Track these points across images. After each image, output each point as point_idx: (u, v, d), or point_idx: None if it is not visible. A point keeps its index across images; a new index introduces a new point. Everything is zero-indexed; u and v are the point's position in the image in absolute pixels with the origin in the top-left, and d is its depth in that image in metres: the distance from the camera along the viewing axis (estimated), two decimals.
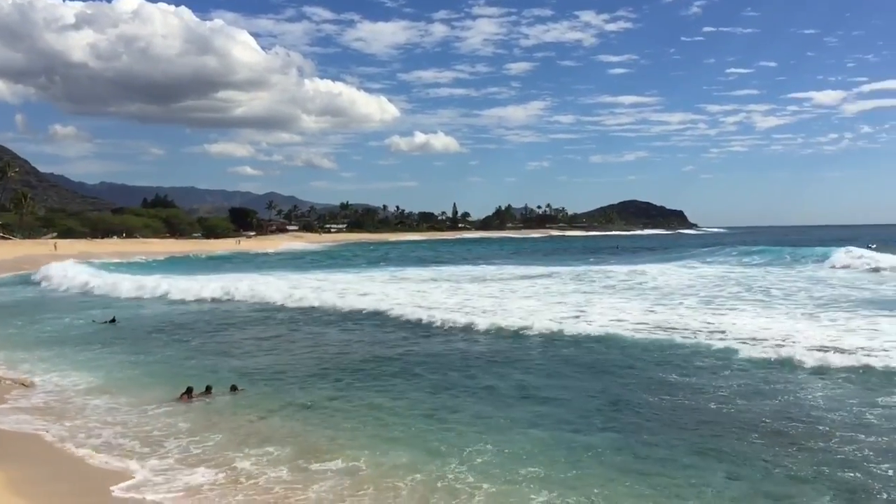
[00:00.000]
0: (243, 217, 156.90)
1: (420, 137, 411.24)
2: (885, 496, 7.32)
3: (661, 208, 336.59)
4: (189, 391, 12.01)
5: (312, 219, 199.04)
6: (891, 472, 7.85)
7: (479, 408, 10.89)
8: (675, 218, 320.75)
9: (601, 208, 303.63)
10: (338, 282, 35.02)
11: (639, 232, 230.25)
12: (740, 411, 10.43)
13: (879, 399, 10.64)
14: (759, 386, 11.69)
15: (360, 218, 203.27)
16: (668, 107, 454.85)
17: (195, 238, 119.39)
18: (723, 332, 16.41)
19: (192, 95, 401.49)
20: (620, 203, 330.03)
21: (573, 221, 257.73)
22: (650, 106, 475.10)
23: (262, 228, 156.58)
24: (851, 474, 7.85)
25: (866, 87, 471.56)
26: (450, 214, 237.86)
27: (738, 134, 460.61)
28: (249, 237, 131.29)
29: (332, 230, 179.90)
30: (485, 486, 7.72)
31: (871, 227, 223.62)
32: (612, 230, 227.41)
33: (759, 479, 7.90)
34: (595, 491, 7.56)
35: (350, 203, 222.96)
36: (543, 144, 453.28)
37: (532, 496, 7.44)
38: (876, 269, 34.60)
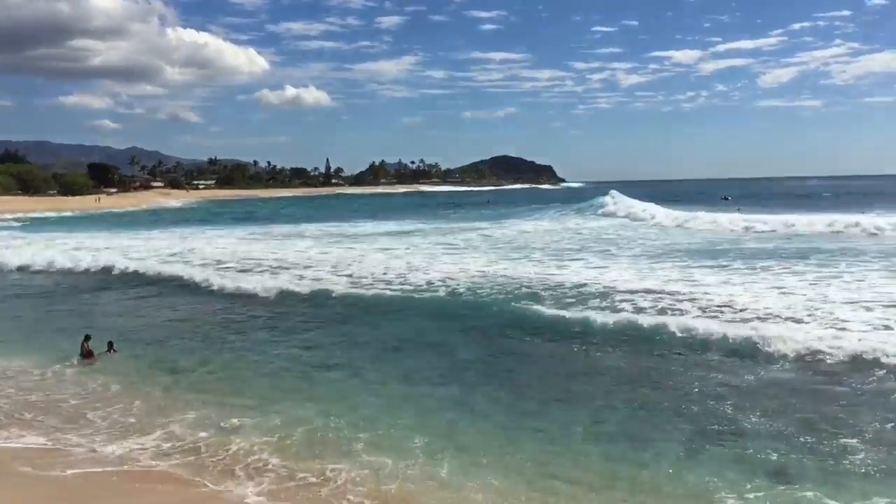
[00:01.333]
0: (104, 173, 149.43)
1: (291, 91, 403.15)
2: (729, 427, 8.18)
3: (532, 163, 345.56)
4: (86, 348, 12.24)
5: (179, 175, 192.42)
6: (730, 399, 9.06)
7: (354, 363, 11.50)
8: (544, 173, 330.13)
9: (474, 164, 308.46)
10: (217, 244, 35.18)
11: (509, 186, 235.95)
12: (597, 359, 11.26)
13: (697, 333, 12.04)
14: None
15: (230, 174, 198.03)
16: (537, 64, 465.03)
17: (51, 195, 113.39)
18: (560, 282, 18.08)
19: (43, 43, 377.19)
20: (492, 158, 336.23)
21: (447, 177, 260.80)
22: (520, 63, 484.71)
23: (125, 185, 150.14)
24: (697, 408, 8.73)
25: (721, 47, 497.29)
26: (323, 170, 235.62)
27: (603, 91, 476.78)
28: (111, 194, 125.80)
29: (201, 186, 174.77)
30: (364, 434, 8.27)
31: (732, 181, 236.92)
32: (484, 185, 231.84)
33: (621, 420, 8.53)
34: (468, 438, 8.11)
35: (219, 159, 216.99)
36: (416, 100, 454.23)
37: (407, 442, 7.97)
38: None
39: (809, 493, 6.43)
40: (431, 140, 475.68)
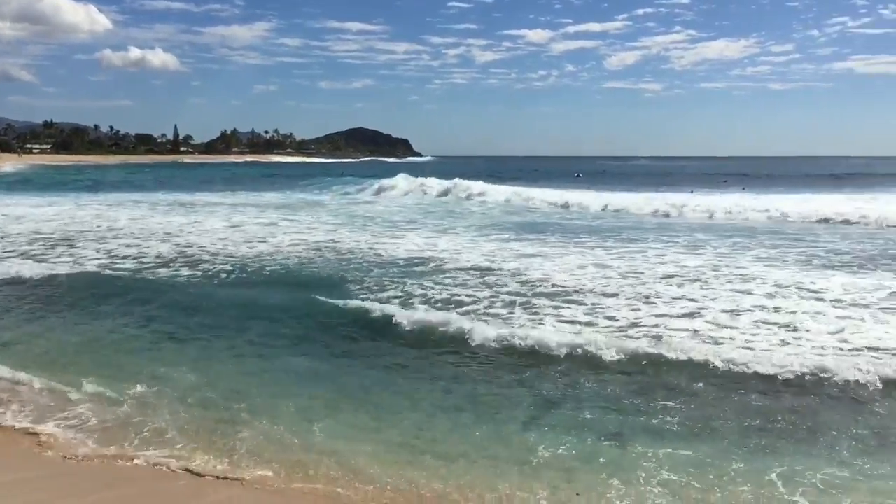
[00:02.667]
0: None
1: (135, 53, 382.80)
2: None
3: (388, 136, 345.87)
4: None
5: (10, 138, 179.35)
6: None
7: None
8: (400, 146, 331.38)
9: (329, 135, 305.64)
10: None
11: (365, 159, 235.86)
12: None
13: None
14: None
15: (68, 138, 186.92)
16: (394, 36, 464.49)
17: None
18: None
19: None
20: (349, 130, 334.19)
21: (302, 148, 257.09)
22: (377, 34, 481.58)
23: None
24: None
25: (571, 29, 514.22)
26: (171, 137, 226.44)
27: (458, 66, 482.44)
28: None
29: (35, 151, 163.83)
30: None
31: (584, 158, 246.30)
32: (340, 157, 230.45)
33: (470, 389, 8.26)
34: (313, 403, 7.83)
35: (55, 121, 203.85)
36: (270, 67, 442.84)
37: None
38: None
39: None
40: (286, 110, 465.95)
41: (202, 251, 18.70)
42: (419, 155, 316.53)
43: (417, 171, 58.10)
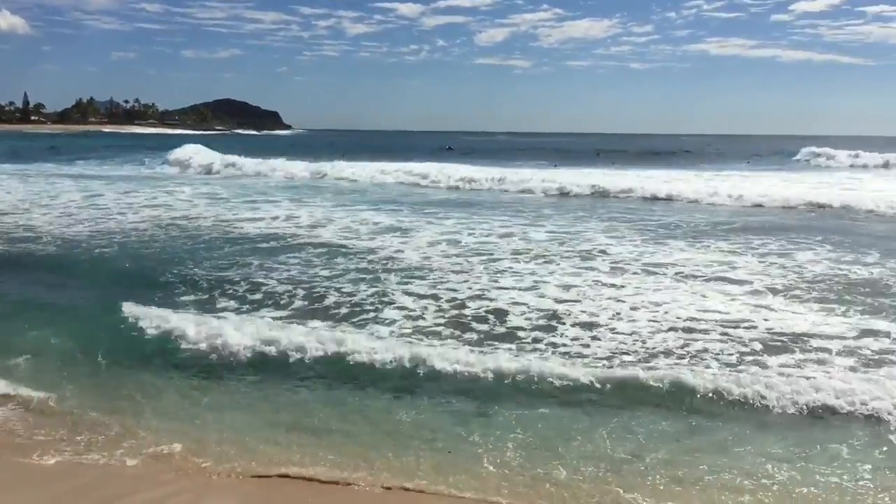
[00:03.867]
0: None
1: None
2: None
3: (257, 108, 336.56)
4: None
5: None
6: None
7: None
8: (270, 119, 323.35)
9: (195, 106, 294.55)
10: None
11: (236, 132, 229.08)
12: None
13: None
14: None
15: None
16: (262, 5, 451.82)
17: None
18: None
19: None
20: (215, 101, 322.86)
21: (165, 119, 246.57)
22: (243, 2, 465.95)
23: None
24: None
25: (441, 3, 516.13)
26: (20, 105, 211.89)
27: (329, 38, 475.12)
28: None
29: None
30: None
31: (456, 133, 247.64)
32: (206, 129, 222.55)
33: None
34: None
35: None
36: (129, 33, 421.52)
37: None
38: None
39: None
40: (147, 79, 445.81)
41: None
42: (289, 128, 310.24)
43: (276, 145, 56.88)
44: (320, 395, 7.35)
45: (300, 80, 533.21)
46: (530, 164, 49.94)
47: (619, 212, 22.88)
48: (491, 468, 5.82)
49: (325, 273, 12.67)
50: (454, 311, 10.19)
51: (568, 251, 15.07)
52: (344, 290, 11.40)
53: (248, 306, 10.47)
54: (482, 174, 34.31)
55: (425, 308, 10.34)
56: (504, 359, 8.00)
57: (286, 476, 5.73)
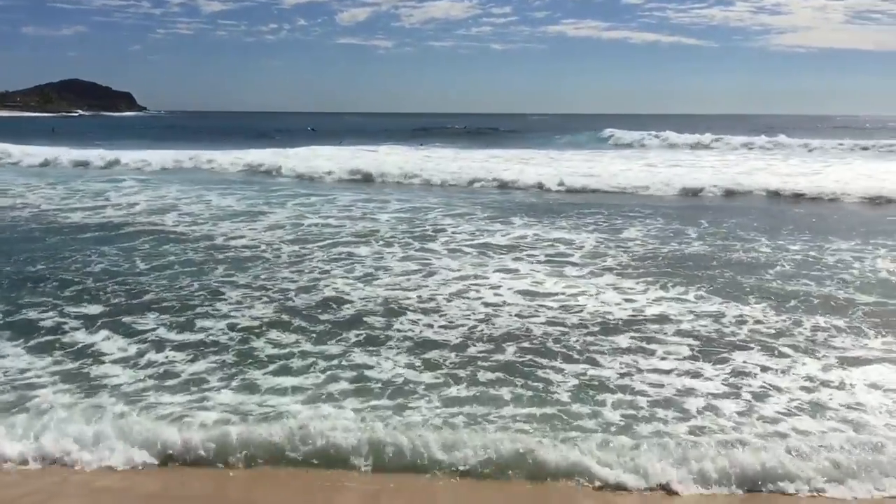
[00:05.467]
0: None
1: None
2: None
3: (108, 89, 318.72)
4: None
5: None
6: None
7: None
8: (123, 100, 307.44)
9: (39, 87, 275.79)
10: None
11: (82, 113, 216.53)
12: None
13: None
14: None
15: None
16: None
17: None
18: None
19: None
20: (62, 82, 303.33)
21: (5, 100, 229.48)
22: None
23: None
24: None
25: None
26: None
27: (183, 16, 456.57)
28: None
29: None
30: None
31: (318, 114, 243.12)
32: (51, 111, 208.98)
33: None
34: None
35: None
36: None
37: None
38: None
39: None
40: None
41: None
42: (144, 109, 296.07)
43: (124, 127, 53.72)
44: None
45: (155, 60, 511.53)
46: (397, 144, 49.55)
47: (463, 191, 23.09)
48: None
49: (152, 264, 11.97)
50: (287, 303, 9.76)
51: (408, 233, 14.99)
52: (166, 283, 10.78)
53: (58, 303, 9.64)
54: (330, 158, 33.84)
55: (257, 299, 9.88)
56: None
57: None
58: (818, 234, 14.95)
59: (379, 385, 6.96)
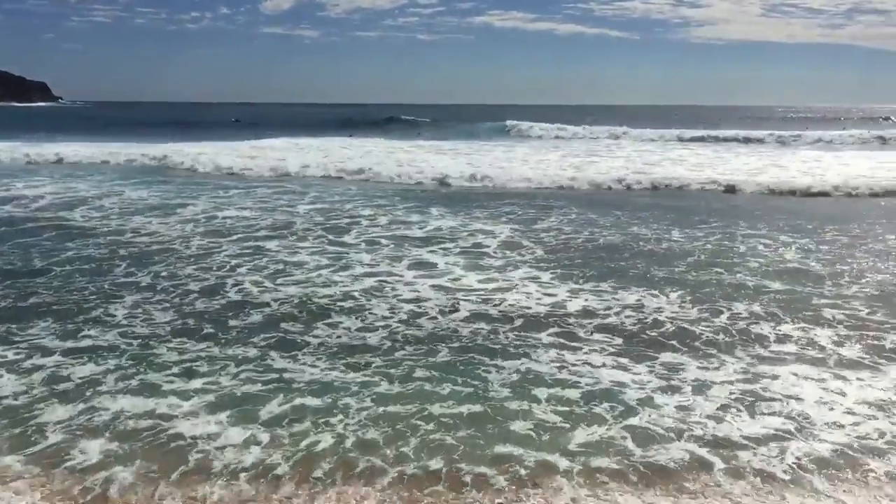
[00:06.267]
0: None
1: None
2: None
3: (21, 79, 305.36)
4: None
5: None
6: None
7: None
8: (37, 90, 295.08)
9: None
10: None
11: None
12: None
13: None
14: None
15: None
16: None
17: None
18: None
19: None
20: None
21: None
22: None
23: None
24: None
25: None
26: None
27: (99, 3, 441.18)
28: None
29: None
30: None
31: (242, 105, 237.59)
32: None
33: None
34: None
35: None
36: None
37: None
38: None
39: None
40: None
41: None
42: (58, 99, 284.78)
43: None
44: None
45: (70, 48, 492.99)
46: (324, 135, 48.95)
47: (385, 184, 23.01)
48: None
49: (49, 261, 11.41)
50: (191, 303, 9.38)
51: (323, 225, 14.84)
52: (61, 283, 10.27)
53: None
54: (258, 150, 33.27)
55: (158, 301, 9.46)
56: None
57: None
58: (728, 224, 15.34)
59: (294, 396, 6.50)
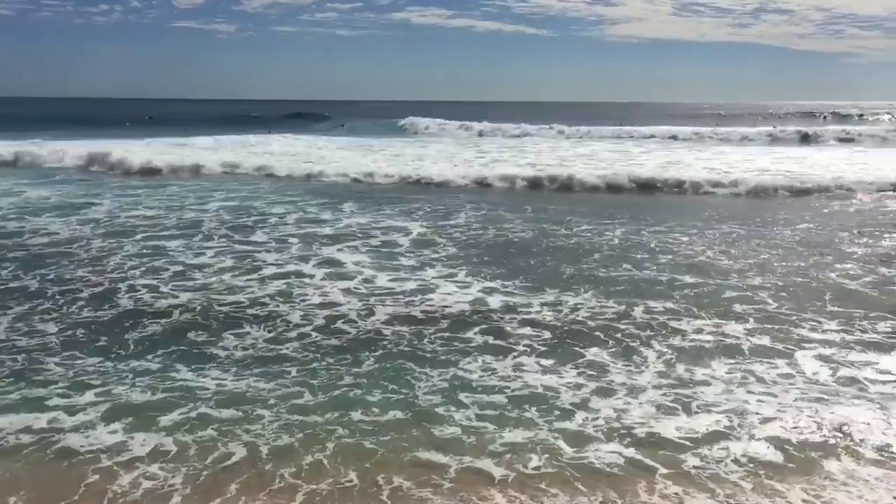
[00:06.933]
0: None
1: None
2: None
3: None
4: None
5: None
6: None
7: None
8: None
9: None
10: None
11: None
12: None
13: None
14: None
15: None
16: None
17: None
18: None
19: None
20: None
21: None
22: None
23: None
24: None
25: None
26: None
27: None
28: None
29: None
30: None
31: (156, 101, 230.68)
32: None
33: None
34: None
35: None
36: None
37: None
38: None
39: None
40: None
41: None
42: None
43: None
44: None
45: None
46: (241, 131, 47.68)
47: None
48: None
49: None
50: (83, 308, 8.88)
51: (232, 223, 14.46)
52: None
53: None
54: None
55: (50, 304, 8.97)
56: None
57: None
58: (635, 220, 15.52)
59: (200, 406, 6.14)
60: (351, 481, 5.05)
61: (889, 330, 8.22)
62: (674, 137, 46.63)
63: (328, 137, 41.65)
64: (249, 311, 8.86)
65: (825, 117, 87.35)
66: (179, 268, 10.96)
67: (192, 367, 7.02)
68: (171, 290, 9.74)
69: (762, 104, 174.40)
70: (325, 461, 5.30)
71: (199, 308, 8.90)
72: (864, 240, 13.45)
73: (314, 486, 4.98)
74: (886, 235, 13.86)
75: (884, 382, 6.76)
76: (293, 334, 8.03)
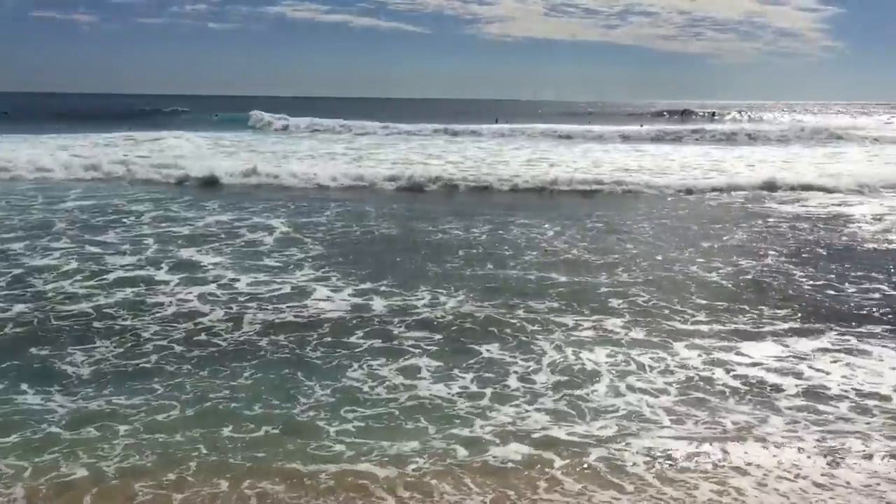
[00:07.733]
0: None
1: None
2: None
3: None
4: None
5: None
6: None
7: None
8: None
9: None
10: None
11: None
12: None
13: None
14: None
15: None
16: None
17: None
18: None
19: None
20: None
21: None
22: None
23: None
24: None
25: None
26: None
27: None
28: None
29: None
30: None
31: (5, 95, 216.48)
32: None
33: None
34: None
35: None
36: None
37: None
38: None
39: None
40: None
41: None
42: None
43: None
44: None
45: None
46: (100, 128, 45.20)
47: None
48: None
49: None
50: None
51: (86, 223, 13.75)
52: None
53: None
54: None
55: None
56: None
57: None
58: (498, 219, 15.27)
59: (45, 427, 5.60)
60: (219, 488, 4.78)
61: (749, 319, 8.53)
62: (543, 134, 46.80)
63: (200, 133, 39.94)
64: (102, 320, 8.22)
65: (680, 115, 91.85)
66: (23, 270, 10.21)
67: (35, 387, 6.35)
68: (10, 295, 9.01)
69: (631, 103, 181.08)
70: (189, 477, 4.92)
71: (40, 318, 8.17)
72: (714, 233, 13.93)
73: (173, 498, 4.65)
74: (735, 229, 14.44)
75: (753, 365, 7.06)
76: (154, 343, 7.47)
